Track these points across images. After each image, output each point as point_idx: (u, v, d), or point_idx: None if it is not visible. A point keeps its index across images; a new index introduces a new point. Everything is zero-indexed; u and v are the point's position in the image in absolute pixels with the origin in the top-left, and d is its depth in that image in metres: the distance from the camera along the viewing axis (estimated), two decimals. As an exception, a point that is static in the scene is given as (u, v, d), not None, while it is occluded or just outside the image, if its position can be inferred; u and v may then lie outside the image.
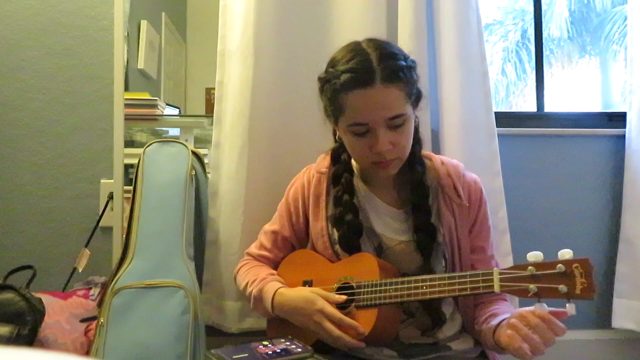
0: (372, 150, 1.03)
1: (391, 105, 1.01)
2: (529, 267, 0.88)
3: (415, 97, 1.07)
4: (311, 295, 1.05)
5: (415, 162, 1.12)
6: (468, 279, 0.94)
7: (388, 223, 1.13)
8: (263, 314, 1.19)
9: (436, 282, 0.97)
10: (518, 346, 0.86)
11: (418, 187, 1.10)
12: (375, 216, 1.14)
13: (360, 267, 1.07)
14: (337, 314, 1.01)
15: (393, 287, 1.00)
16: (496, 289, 0.90)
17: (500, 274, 0.91)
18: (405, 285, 0.99)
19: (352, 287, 1.06)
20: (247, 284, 1.20)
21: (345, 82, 1.00)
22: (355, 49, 1.04)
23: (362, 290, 1.04)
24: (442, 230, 1.11)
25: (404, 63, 1.03)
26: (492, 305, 1.10)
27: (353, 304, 1.04)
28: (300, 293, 1.08)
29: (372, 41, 1.06)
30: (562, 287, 0.84)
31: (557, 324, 0.86)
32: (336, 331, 1.00)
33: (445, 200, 1.12)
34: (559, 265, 0.86)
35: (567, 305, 0.85)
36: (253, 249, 1.31)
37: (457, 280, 0.95)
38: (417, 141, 1.13)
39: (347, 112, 1.03)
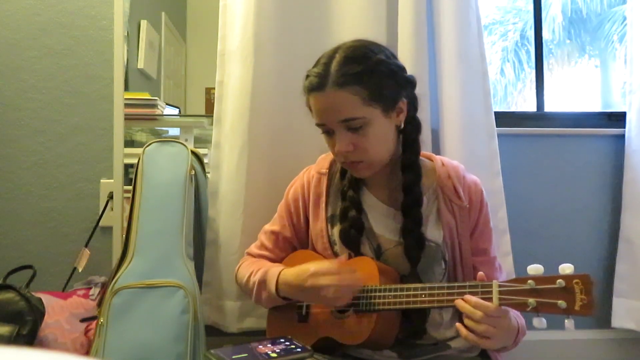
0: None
1: (341, 109, 1.03)
2: (529, 281, 0.88)
3: (387, 102, 1.05)
4: (305, 265, 1.05)
5: (405, 168, 1.11)
6: (467, 290, 0.94)
7: (387, 224, 1.13)
8: (265, 300, 1.18)
9: (435, 292, 0.97)
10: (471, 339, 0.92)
11: (407, 192, 1.10)
12: (375, 217, 1.14)
13: (360, 271, 1.07)
14: (331, 266, 1.02)
15: (392, 293, 1.00)
16: (495, 301, 0.91)
17: (500, 286, 0.91)
18: (405, 293, 1.00)
19: None
20: (251, 273, 1.21)
21: (305, 85, 1.08)
22: (328, 53, 1.08)
23: (362, 295, 1.04)
24: (443, 232, 1.11)
25: (363, 67, 1.03)
26: None
27: (352, 309, 1.05)
28: (298, 267, 1.08)
29: (348, 44, 1.08)
30: (562, 303, 0.84)
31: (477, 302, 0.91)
32: (334, 280, 1.00)
33: (445, 201, 1.12)
34: (559, 280, 0.85)
35: (566, 320, 0.85)
36: (253, 249, 1.31)
37: (456, 291, 0.95)
38: (409, 146, 1.12)
39: (313, 113, 1.09)
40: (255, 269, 1.21)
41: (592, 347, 1.71)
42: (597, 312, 1.71)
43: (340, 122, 1.04)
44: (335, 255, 1.15)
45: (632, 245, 1.63)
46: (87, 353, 1.29)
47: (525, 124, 1.81)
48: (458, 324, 0.93)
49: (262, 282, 1.16)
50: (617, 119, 1.80)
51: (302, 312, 1.16)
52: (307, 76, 1.08)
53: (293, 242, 1.27)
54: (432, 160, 1.18)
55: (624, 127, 1.71)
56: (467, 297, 0.92)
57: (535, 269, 0.89)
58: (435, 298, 0.97)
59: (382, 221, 1.14)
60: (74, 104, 1.67)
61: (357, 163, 1.08)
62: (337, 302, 1.03)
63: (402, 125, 1.10)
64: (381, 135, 1.07)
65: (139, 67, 2.62)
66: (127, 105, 1.68)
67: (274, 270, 1.14)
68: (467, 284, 0.95)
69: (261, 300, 1.19)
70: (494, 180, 1.54)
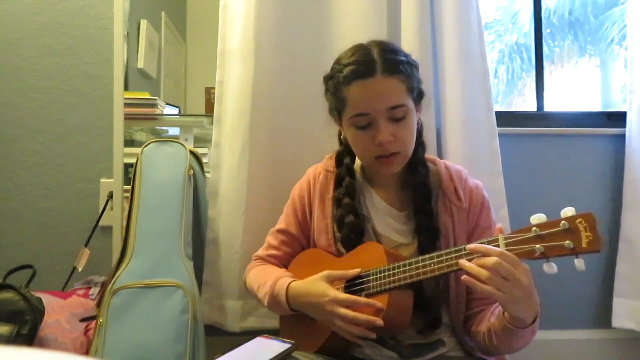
0: (374, 142, 1.05)
1: (391, 95, 1.04)
2: (533, 228, 0.88)
3: (417, 95, 1.09)
4: (323, 286, 1.03)
5: (417, 164, 1.12)
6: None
7: (390, 224, 1.14)
8: (283, 313, 1.17)
9: (443, 257, 0.95)
10: (483, 289, 0.86)
11: (420, 189, 1.11)
12: (378, 217, 1.14)
13: (367, 256, 1.07)
14: (350, 297, 0.99)
15: (401, 269, 0.99)
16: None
17: (505, 238, 0.90)
18: (414, 266, 0.98)
19: (361, 277, 1.05)
20: (258, 287, 1.19)
21: (347, 74, 1.05)
22: (358, 47, 1.09)
23: (371, 277, 1.03)
24: (439, 234, 1.11)
25: (404, 58, 1.07)
26: (487, 309, 1.09)
27: (363, 293, 1.03)
28: (312, 285, 1.05)
29: (375, 40, 1.11)
30: (569, 243, 0.84)
31: (508, 255, 0.86)
32: (350, 314, 0.98)
33: (444, 203, 1.11)
34: (563, 222, 0.85)
35: (575, 260, 0.84)
36: (260, 251, 1.30)
37: (463, 253, 0.93)
38: (420, 143, 1.14)
39: (350, 104, 1.07)
40: (262, 282, 1.18)
41: (592, 347, 1.71)
42: (597, 312, 1.71)
43: (388, 109, 1.04)
44: (339, 252, 1.15)
45: (632, 245, 1.63)
46: (86, 353, 1.29)
47: (526, 124, 1.81)
48: (464, 277, 0.89)
49: (274, 302, 1.13)
50: (617, 119, 1.80)
51: None
52: (345, 66, 1.06)
53: (300, 239, 1.26)
54: (435, 164, 1.18)
55: (624, 127, 1.71)
56: (471, 245, 0.90)
57: (538, 217, 0.88)
58: (445, 264, 0.94)
59: (385, 221, 1.14)
60: (73, 103, 1.67)
61: (394, 156, 1.07)
62: (348, 336, 1.01)
63: (419, 123, 1.13)
64: (414, 129, 1.09)
65: (138, 66, 2.62)
66: (127, 105, 1.68)
67: (281, 288, 1.11)
68: (477, 241, 0.93)
69: (278, 313, 1.18)
70: (495, 179, 1.54)
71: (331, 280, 1.05)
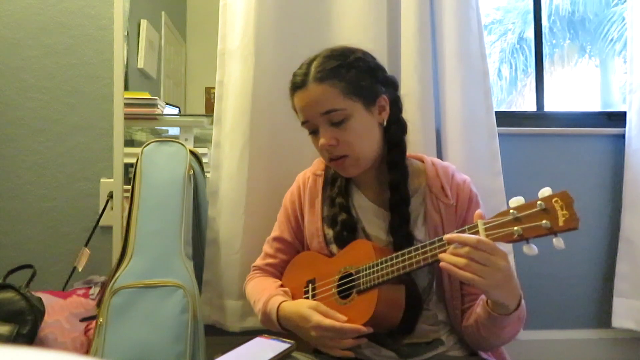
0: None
1: (322, 102, 1.06)
2: (511, 211, 0.88)
3: (367, 96, 1.08)
4: (306, 312, 1.03)
5: (391, 167, 1.12)
6: None
7: (377, 224, 1.14)
8: (276, 331, 1.17)
9: (427, 248, 0.96)
10: (462, 275, 0.88)
11: (394, 191, 1.11)
12: (366, 217, 1.15)
13: (357, 254, 1.08)
14: (335, 325, 1.00)
15: (388, 263, 1.00)
16: (482, 237, 0.89)
17: (485, 223, 0.91)
18: (400, 259, 0.99)
19: (351, 274, 1.06)
20: (253, 302, 1.21)
21: (290, 87, 1.13)
22: (310, 57, 1.12)
23: (361, 274, 1.04)
24: (428, 230, 1.11)
25: (341, 62, 1.07)
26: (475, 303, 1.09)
27: (354, 290, 1.04)
28: (298, 309, 1.07)
29: (332, 47, 1.13)
30: (545, 223, 0.83)
31: (484, 241, 0.88)
32: (334, 342, 1.00)
33: (432, 200, 1.12)
34: (539, 202, 0.85)
35: (554, 240, 0.84)
36: (258, 261, 1.31)
37: (445, 242, 0.93)
38: (397, 144, 1.13)
39: (297, 113, 1.13)
40: (257, 298, 1.19)
41: (592, 347, 1.71)
42: (597, 312, 1.71)
43: (322, 114, 1.06)
44: (331, 253, 1.15)
45: (632, 245, 1.63)
46: (86, 352, 1.29)
47: (526, 124, 1.81)
48: (442, 264, 0.90)
49: (267, 320, 1.15)
50: (617, 118, 1.80)
51: None
52: (291, 79, 1.12)
53: (295, 245, 1.27)
54: (422, 162, 1.19)
55: (624, 127, 1.71)
56: (448, 235, 0.91)
57: (516, 200, 0.89)
58: (429, 254, 0.96)
59: (373, 221, 1.14)
60: (73, 103, 1.67)
61: (343, 159, 1.09)
62: (338, 353, 1.03)
63: (385, 124, 1.11)
64: (364, 130, 1.08)
65: (138, 66, 2.63)
66: (127, 105, 1.68)
67: (272, 307, 1.12)
68: (455, 231, 0.95)
69: (271, 329, 1.18)
70: (494, 179, 1.54)
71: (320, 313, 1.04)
